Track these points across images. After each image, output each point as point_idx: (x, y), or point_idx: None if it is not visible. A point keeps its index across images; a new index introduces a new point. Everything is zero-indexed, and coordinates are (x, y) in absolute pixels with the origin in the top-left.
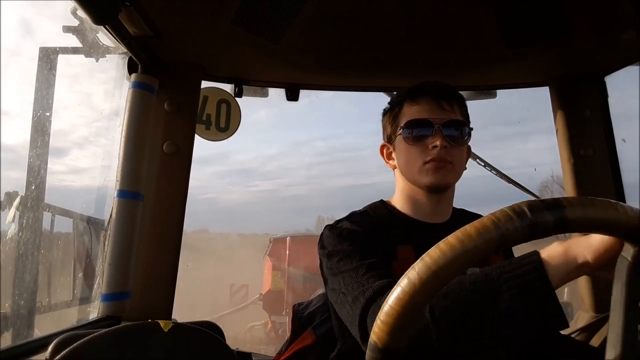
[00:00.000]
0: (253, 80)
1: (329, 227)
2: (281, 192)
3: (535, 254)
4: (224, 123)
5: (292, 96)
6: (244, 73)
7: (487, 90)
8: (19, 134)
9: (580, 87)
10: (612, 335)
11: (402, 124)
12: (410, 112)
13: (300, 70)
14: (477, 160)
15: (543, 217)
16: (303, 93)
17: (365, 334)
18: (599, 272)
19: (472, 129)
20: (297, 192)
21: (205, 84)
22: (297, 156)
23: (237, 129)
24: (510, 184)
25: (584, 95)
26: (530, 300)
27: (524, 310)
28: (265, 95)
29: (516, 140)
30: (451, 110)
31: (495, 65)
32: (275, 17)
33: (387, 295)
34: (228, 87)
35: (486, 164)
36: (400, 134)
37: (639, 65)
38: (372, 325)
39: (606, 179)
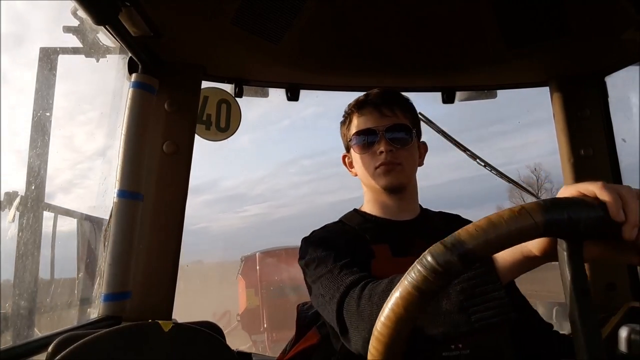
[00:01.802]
0: (253, 80)
1: (304, 239)
2: (271, 215)
3: None
4: (224, 123)
5: (292, 96)
6: (244, 73)
7: (487, 90)
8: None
9: (580, 87)
10: (573, 326)
11: (351, 134)
12: (357, 123)
13: (300, 70)
14: (477, 160)
15: (448, 257)
16: (283, 114)
17: (343, 327)
18: (547, 261)
19: (416, 129)
20: (287, 213)
21: (205, 84)
22: (284, 177)
23: (237, 129)
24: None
25: (584, 95)
26: (478, 294)
27: (473, 305)
28: (266, 95)
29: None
30: (393, 115)
31: (495, 65)
32: (275, 17)
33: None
34: (228, 87)
35: (486, 164)
36: (351, 144)
37: (639, 65)
38: (347, 317)
39: (606, 179)
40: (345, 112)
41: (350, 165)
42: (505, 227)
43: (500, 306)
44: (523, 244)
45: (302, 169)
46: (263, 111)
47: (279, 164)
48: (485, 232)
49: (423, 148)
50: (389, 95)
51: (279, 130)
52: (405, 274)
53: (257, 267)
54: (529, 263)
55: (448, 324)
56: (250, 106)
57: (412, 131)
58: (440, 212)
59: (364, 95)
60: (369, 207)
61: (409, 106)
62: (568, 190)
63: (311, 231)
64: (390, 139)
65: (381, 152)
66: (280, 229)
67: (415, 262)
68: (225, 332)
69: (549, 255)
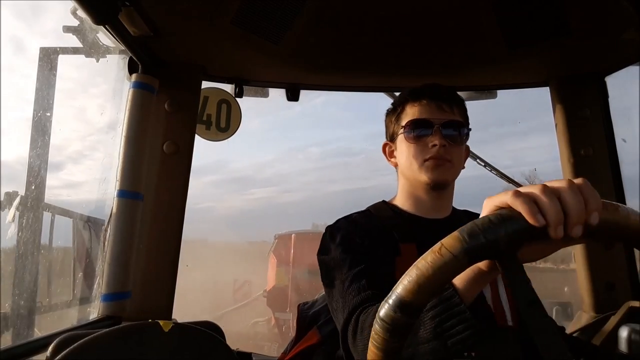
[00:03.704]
0: (253, 80)
1: (329, 230)
2: (276, 199)
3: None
4: (224, 123)
5: (292, 96)
6: (244, 73)
7: (487, 90)
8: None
9: (580, 87)
10: (534, 336)
11: (403, 123)
12: (411, 113)
13: (300, 70)
14: (477, 160)
15: (391, 314)
16: (294, 102)
17: (347, 349)
18: (496, 274)
19: (470, 129)
20: (292, 198)
21: (205, 84)
22: (292, 162)
23: (237, 129)
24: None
25: (584, 95)
26: (447, 319)
27: (445, 330)
28: (266, 95)
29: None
30: (450, 112)
31: (495, 65)
32: (275, 17)
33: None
34: (228, 87)
35: (486, 164)
36: (402, 133)
37: (639, 65)
38: (349, 346)
39: (606, 179)
40: (395, 101)
41: (391, 155)
42: (431, 271)
43: (468, 325)
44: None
45: (310, 156)
46: (275, 95)
47: (288, 149)
48: (416, 281)
49: (466, 151)
50: (448, 90)
51: (290, 116)
52: (371, 334)
53: (292, 249)
54: (483, 279)
55: (429, 352)
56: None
57: (466, 130)
58: (465, 211)
59: (422, 86)
60: (401, 200)
61: (464, 105)
62: (487, 206)
63: (336, 219)
64: (445, 134)
65: (434, 146)
66: (286, 213)
67: (374, 322)
68: (243, 303)
69: (491, 266)
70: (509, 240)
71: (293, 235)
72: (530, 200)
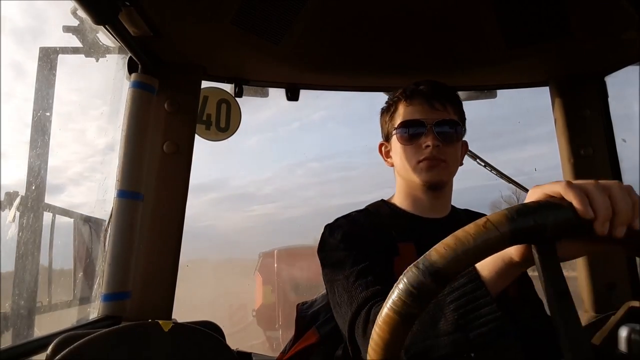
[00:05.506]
0: (253, 80)
1: (328, 228)
2: (278, 215)
3: (472, 267)
4: (224, 123)
5: (292, 96)
6: (244, 73)
7: (487, 90)
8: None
9: (580, 87)
10: (557, 329)
11: (396, 124)
12: (404, 113)
13: (300, 70)
14: (477, 160)
15: (421, 279)
16: (293, 116)
17: (356, 349)
18: (530, 265)
19: (464, 127)
20: (293, 214)
21: (205, 84)
22: (292, 178)
23: (237, 129)
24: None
25: (584, 95)
26: (471, 310)
27: (468, 322)
28: (266, 95)
29: None
30: (443, 110)
31: (495, 65)
32: (275, 17)
33: (375, 303)
34: (228, 87)
35: (486, 164)
36: (395, 133)
37: (639, 65)
38: (358, 340)
39: (606, 179)
40: (389, 99)
41: (387, 155)
42: (472, 242)
43: (493, 319)
44: (504, 252)
45: (310, 171)
46: (273, 113)
47: (287, 165)
48: (454, 249)
49: (464, 147)
50: (441, 88)
51: (289, 132)
52: (387, 298)
53: (275, 265)
54: (513, 270)
55: (449, 344)
56: (261, 108)
57: (461, 128)
58: (466, 210)
59: (414, 84)
60: (399, 199)
61: (458, 102)
62: (535, 193)
63: (335, 219)
64: (438, 134)
65: (427, 146)
66: (288, 229)
67: (394, 286)
68: (241, 327)
69: (530, 260)
70: (556, 227)
71: (275, 251)
72: (582, 192)
